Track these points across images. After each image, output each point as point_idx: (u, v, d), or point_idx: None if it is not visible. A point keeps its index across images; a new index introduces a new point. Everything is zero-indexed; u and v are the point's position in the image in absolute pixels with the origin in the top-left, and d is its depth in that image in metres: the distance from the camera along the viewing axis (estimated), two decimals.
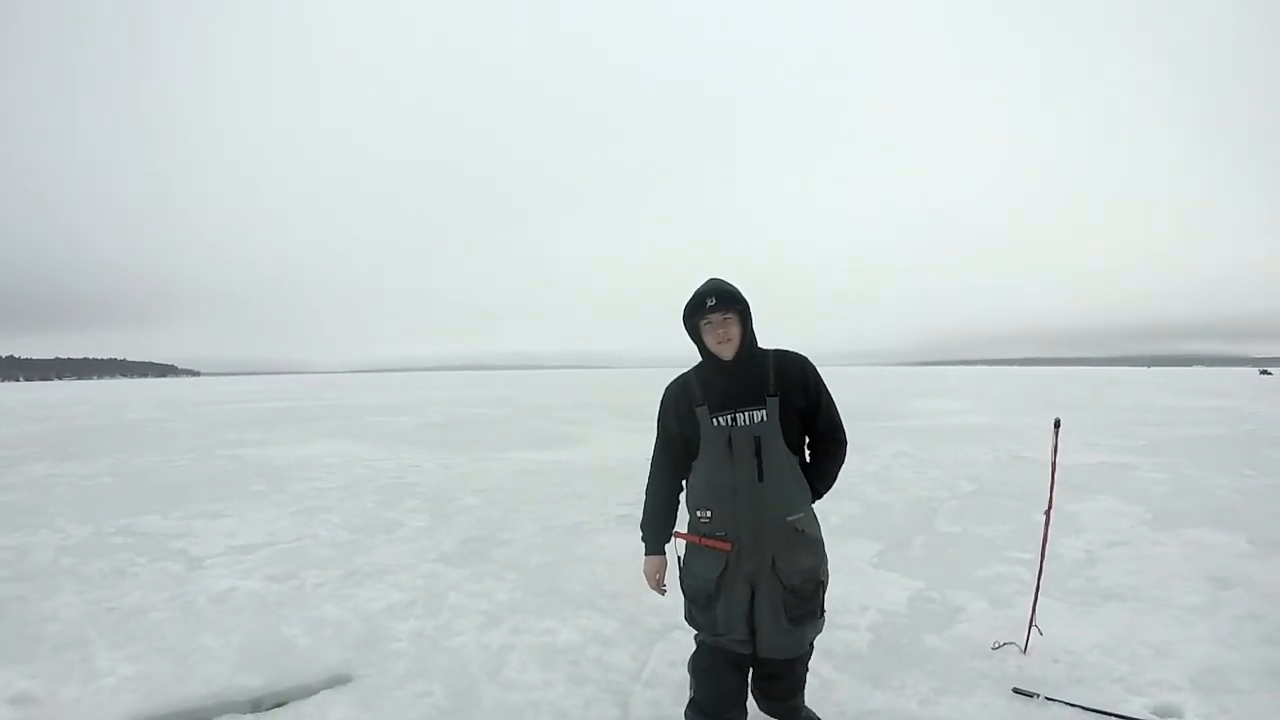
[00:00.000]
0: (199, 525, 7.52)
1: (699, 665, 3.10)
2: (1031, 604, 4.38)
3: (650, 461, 3.15)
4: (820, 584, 3.02)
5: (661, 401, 3.08)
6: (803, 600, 2.93)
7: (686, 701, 3.22)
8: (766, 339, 3.08)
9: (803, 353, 3.05)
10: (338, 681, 3.95)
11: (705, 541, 2.91)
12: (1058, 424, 4.39)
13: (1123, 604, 5.06)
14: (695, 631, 3.10)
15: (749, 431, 2.85)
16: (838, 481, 3.14)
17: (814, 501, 3.04)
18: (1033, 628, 4.29)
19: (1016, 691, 3.75)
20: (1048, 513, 4.36)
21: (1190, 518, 7.54)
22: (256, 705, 3.74)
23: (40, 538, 6.98)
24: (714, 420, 2.88)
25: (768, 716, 3.43)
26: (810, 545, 2.98)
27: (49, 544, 6.74)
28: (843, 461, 3.10)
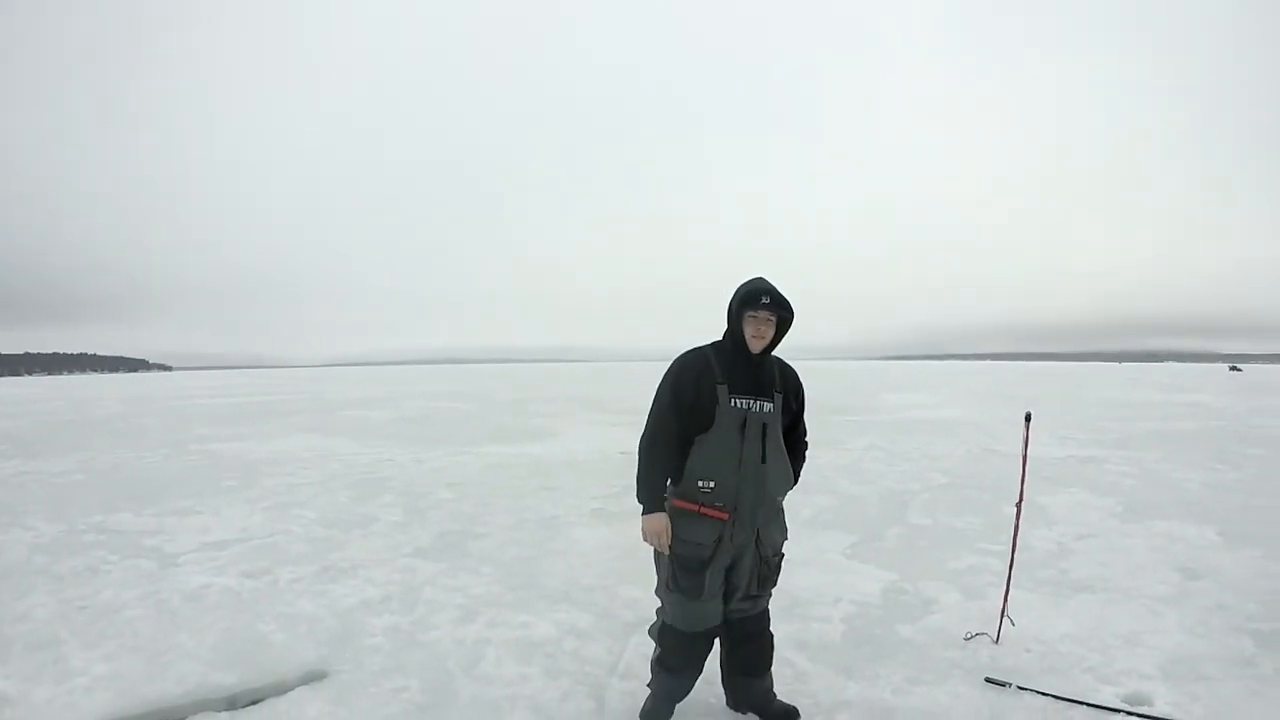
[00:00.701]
0: (172, 522, 7.43)
1: (670, 644, 3.30)
2: (1003, 595, 4.44)
3: (653, 421, 3.25)
4: (782, 556, 3.39)
5: (676, 369, 3.26)
6: (771, 570, 3.33)
7: (652, 656, 3.44)
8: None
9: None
10: (313, 678, 3.93)
11: (705, 510, 3.14)
12: (1028, 417, 4.45)
13: (1093, 595, 5.14)
14: (661, 607, 3.35)
15: (759, 418, 3.15)
16: (810, 475, 3.39)
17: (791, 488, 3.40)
18: (1004, 618, 4.35)
19: (989, 681, 3.81)
20: (1019, 505, 4.42)
21: (1160, 510, 7.65)
22: (232, 703, 3.71)
23: (11, 536, 6.87)
24: (733, 401, 3.13)
25: (740, 715, 3.51)
26: (783, 524, 3.39)
27: (20, 542, 6.64)
28: (803, 465, 3.54)
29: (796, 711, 3.47)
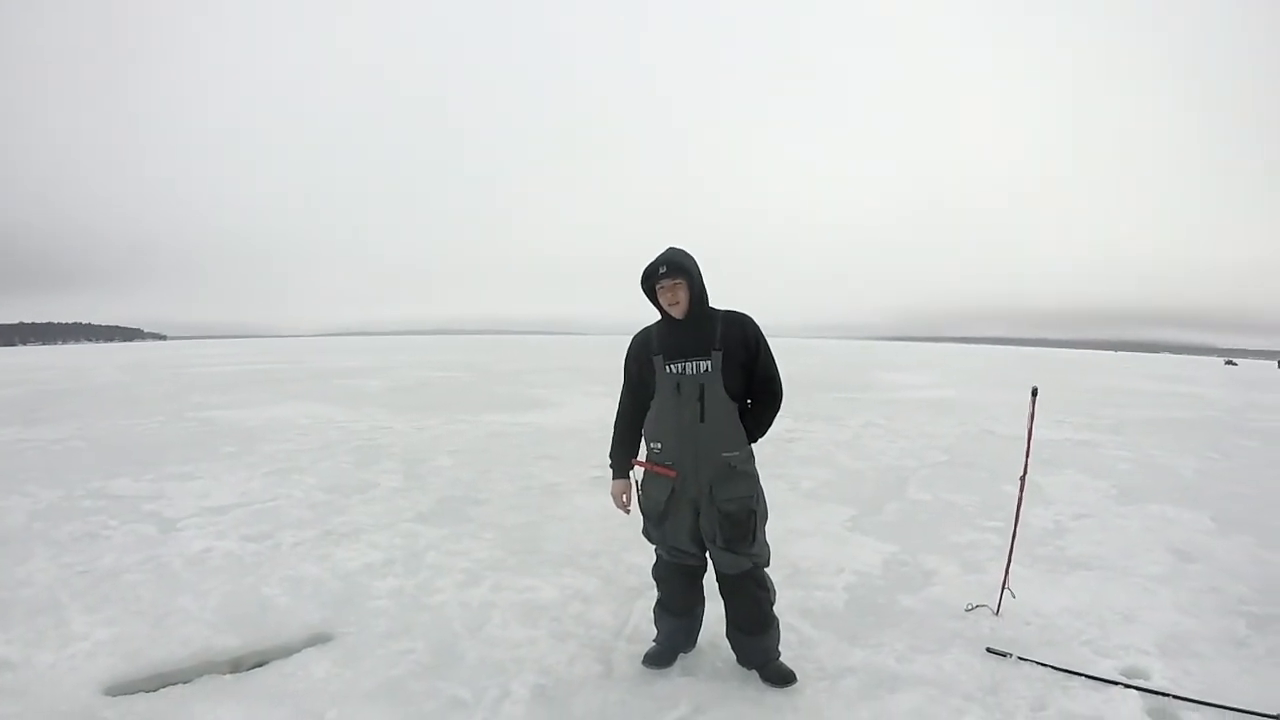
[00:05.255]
0: (171, 487, 7.43)
1: (659, 574, 3.70)
2: (1005, 568, 4.48)
3: (620, 398, 3.65)
4: (752, 512, 3.40)
5: (627, 350, 3.60)
6: (736, 524, 3.36)
7: (655, 601, 3.78)
8: (738, 306, 3.55)
9: (748, 313, 3.52)
10: (319, 640, 3.96)
11: (655, 469, 3.45)
12: (1035, 392, 4.46)
13: (1090, 572, 5.19)
14: (654, 546, 3.65)
15: (695, 380, 3.34)
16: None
17: (751, 443, 3.47)
18: (1005, 591, 4.39)
19: (990, 651, 3.85)
20: (1023, 478, 4.45)
21: (1154, 494, 7.69)
22: (237, 665, 3.73)
23: (10, 502, 6.83)
24: (667, 368, 3.39)
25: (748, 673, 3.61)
26: (743, 478, 3.42)
27: (20, 508, 6.61)
28: (777, 410, 3.53)
29: (793, 676, 3.55)
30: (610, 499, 3.74)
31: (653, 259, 3.42)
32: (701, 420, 3.32)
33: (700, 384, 3.32)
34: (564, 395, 17.93)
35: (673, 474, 3.39)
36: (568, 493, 7.38)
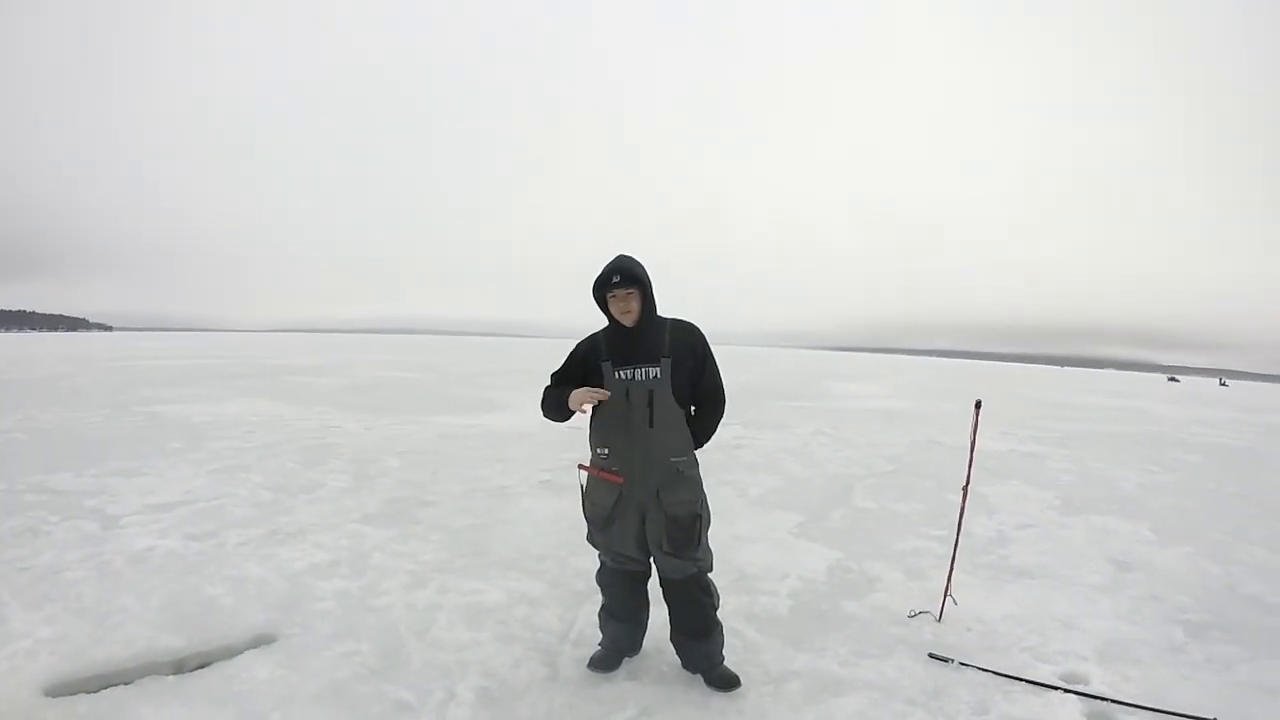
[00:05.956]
0: (114, 483, 7.26)
1: (604, 580, 3.69)
2: (947, 575, 4.57)
3: (544, 390, 3.57)
4: (698, 516, 3.47)
5: (572, 350, 3.60)
6: (682, 529, 3.41)
7: (600, 605, 3.78)
8: (687, 312, 3.68)
9: (696, 322, 3.62)
10: (263, 641, 3.91)
11: (602, 474, 3.46)
12: (978, 404, 4.57)
13: (1032, 580, 5.31)
14: (598, 551, 3.66)
15: (644, 386, 3.38)
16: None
17: (696, 449, 3.53)
18: (948, 598, 4.48)
19: (932, 656, 3.93)
20: (965, 487, 4.54)
21: (1096, 505, 7.89)
22: (180, 666, 3.66)
23: None
24: (616, 374, 3.40)
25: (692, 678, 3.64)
26: (689, 483, 3.47)
27: None
28: (720, 417, 3.63)
29: (738, 680, 3.59)
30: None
31: (604, 267, 3.42)
32: (651, 425, 3.36)
33: (650, 390, 3.37)
34: (517, 398, 17.91)
35: (619, 480, 3.40)
36: (516, 496, 7.36)
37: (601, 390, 3.38)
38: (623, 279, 3.35)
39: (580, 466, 3.62)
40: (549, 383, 3.58)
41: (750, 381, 27.94)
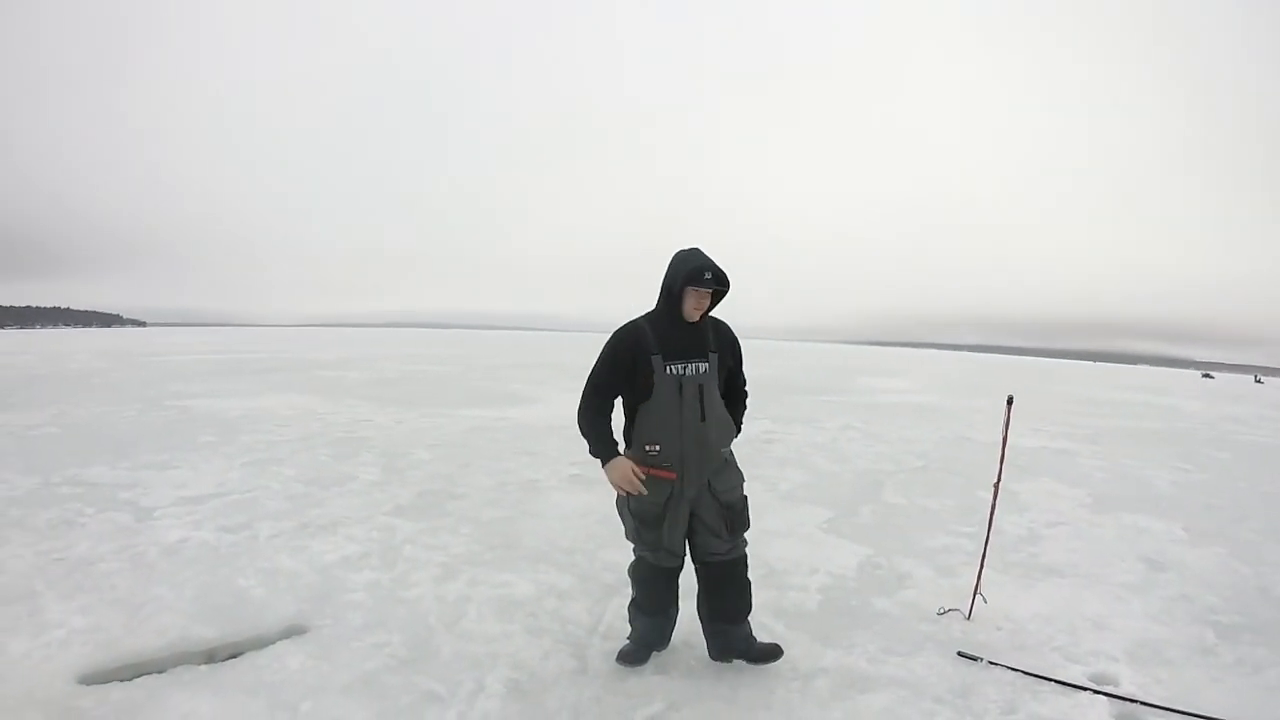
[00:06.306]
0: (148, 476, 7.37)
1: (640, 575, 3.66)
2: (977, 573, 4.53)
3: (586, 390, 3.50)
4: (745, 498, 3.63)
5: (613, 343, 3.48)
6: (736, 512, 3.55)
7: (629, 600, 3.77)
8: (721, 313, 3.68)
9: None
10: (294, 632, 3.95)
11: (653, 472, 3.39)
12: (1010, 400, 4.53)
13: (1062, 579, 5.25)
14: (634, 546, 3.64)
15: (695, 380, 3.40)
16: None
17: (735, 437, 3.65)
18: (977, 595, 4.44)
19: (961, 655, 3.90)
20: (996, 484, 4.50)
21: (1128, 504, 7.78)
22: (211, 656, 3.72)
23: None
24: (667, 368, 3.38)
25: (720, 667, 3.68)
26: (735, 469, 3.62)
27: None
28: (745, 409, 3.77)
29: (780, 649, 3.69)
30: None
31: (698, 257, 3.40)
32: (703, 420, 3.40)
33: (700, 384, 3.40)
34: (543, 391, 17.99)
35: (673, 476, 3.39)
36: (546, 489, 7.40)
37: (642, 488, 3.36)
38: (715, 278, 3.37)
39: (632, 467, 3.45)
40: (591, 387, 3.48)
41: (779, 376, 27.83)
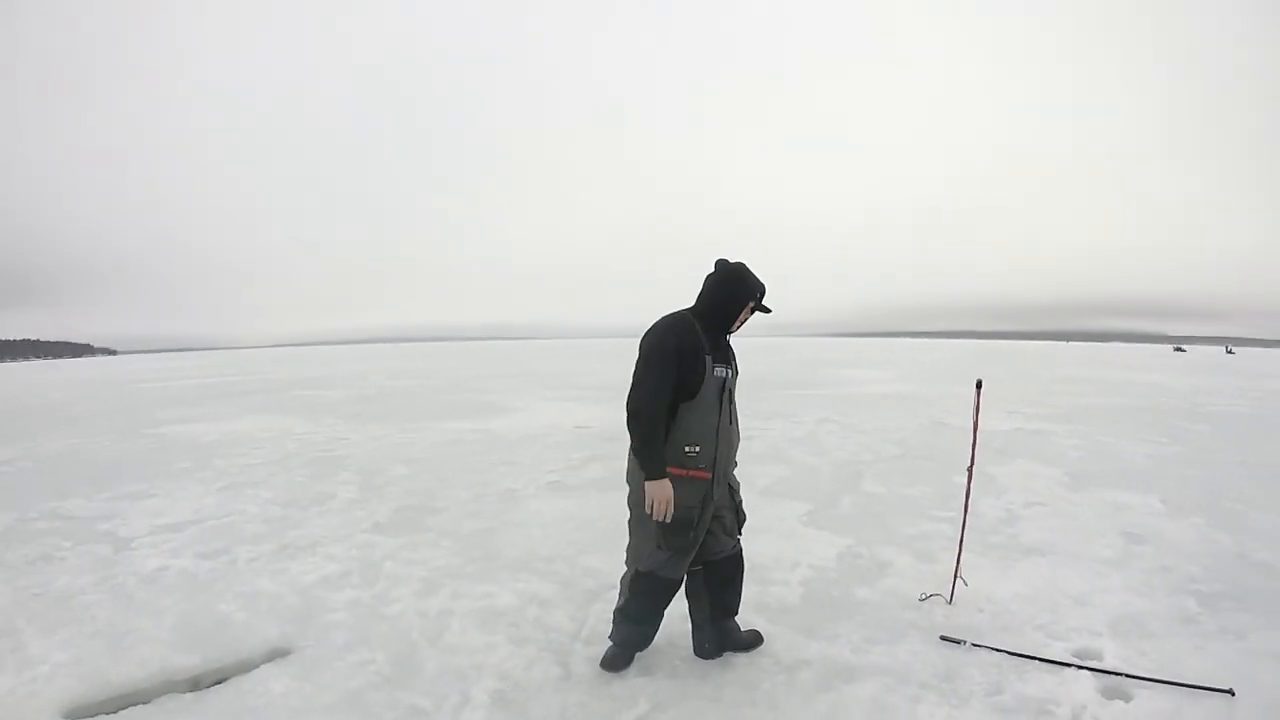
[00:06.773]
0: (124, 506, 7.29)
1: (645, 589, 3.55)
2: (956, 557, 4.58)
3: (651, 384, 3.29)
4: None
5: (675, 335, 3.36)
6: (738, 511, 3.73)
7: (616, 606, 3.73)
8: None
9: None
10: (277, 655, 3.92)
11: (691, 473, 3.37)
12: (979, 384, 4.58)
13: (1042, 558, 5.31)
14: (645, 558, 3.50)
15: (729, 385, 3.51)
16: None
17: None
18: (957, 579, 4.48)
19: (944, 639, 3.93)
20: (970, 469, 4.55)
21: (1105, 480, 7.88)
22: (196, 684, 3.68)
23: None
24: (715, 370, 3.41)
25: (704, 664, 3.72)
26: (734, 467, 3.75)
27: None
28: None
29: (760, 635, 3.89)
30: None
31: (754, 276, 3.52)
32: (731, 422, 3.54)
33: (730, 389, 3.53)
34: (518, 400, 17.93)
35: (707, 476, 3.40)
36: (524, 498, 7.38)
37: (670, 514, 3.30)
38: (765, 302, 3.55)
39: (669, 469, 3.33)
40: (655, 383, 3.28)
41: (757, 371, 27.90)
